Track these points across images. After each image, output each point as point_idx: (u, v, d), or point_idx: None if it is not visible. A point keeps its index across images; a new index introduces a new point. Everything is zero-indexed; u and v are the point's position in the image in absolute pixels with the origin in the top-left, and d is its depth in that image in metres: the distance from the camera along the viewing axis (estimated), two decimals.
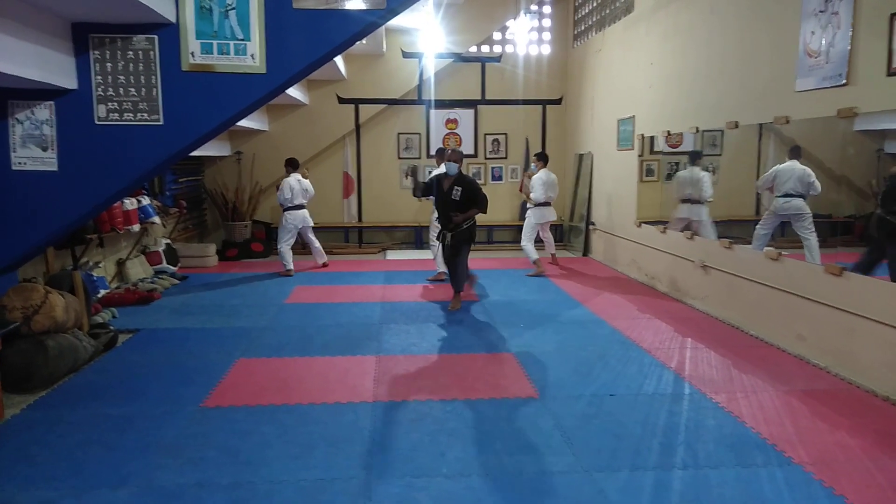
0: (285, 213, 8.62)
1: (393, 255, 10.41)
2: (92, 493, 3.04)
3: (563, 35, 11.15)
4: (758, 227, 5.85)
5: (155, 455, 3.41)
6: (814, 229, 5.39)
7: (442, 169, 6.92)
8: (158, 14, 4.37)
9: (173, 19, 4.57)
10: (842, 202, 5.33)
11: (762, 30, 5.50)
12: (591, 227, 10.06)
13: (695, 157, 6.94)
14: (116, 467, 3.28)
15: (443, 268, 7.68)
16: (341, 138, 10.90)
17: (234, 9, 4.62)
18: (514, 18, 10.64)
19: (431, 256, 8.42)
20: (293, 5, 4.63)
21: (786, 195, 5.57)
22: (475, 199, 6.41)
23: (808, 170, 5.45)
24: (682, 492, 3.04)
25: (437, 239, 6.81)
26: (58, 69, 4.38)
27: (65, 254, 6.19)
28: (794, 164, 5.53)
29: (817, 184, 5.41)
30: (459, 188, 6.38)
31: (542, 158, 8.68)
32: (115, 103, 4.61)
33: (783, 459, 3.34)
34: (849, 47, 4.42)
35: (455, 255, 6.52)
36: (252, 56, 4.66)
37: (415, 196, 7.08)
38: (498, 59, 11.02)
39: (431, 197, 6.93)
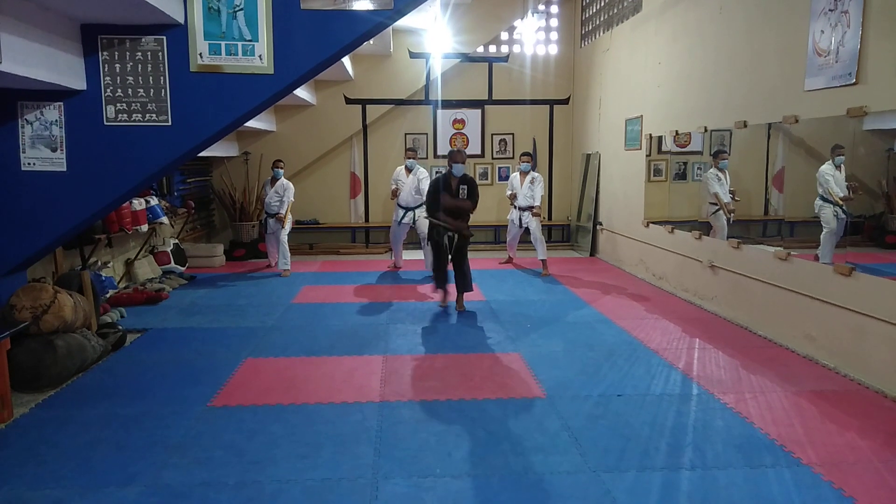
0: (289, 213, 8.72)
1: None
2: (100, 492, 3.06)
3: (571, 35, 11.12)
4: None
5: (162, 454, 3.42)
6: (826, 229, 5.33)
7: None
8: (167, 15, 4.38)
9: (182, 20, 4.59)
10: (851, 202, 5.28)
11: (771, 29, 5.47)
12: (598, 227, 10.03)
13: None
14: (124, 466, 3.30)
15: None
16: (348, 138, 10.92)
17: (242, 10, 4.63)
18: (522, 18, 10.62)
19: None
20: (301, 6, 4.64)
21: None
22: (475, 195, 6.69)
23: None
24: (689, 493, 3.03)
25: (434, 238, 6.65)
26: (67, 70, 4.40)
27: (74, 254, 6.22)
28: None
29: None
30: (465, 186, 6.63)
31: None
32: (124, 104, 4.63)
33: (792, 460, 3.32)
34: (858, 46, 4.38)
35: (462, 255, 6.63)
36: (260, 57, 4.67)
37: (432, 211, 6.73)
38: (505, 59, 11.01)
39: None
